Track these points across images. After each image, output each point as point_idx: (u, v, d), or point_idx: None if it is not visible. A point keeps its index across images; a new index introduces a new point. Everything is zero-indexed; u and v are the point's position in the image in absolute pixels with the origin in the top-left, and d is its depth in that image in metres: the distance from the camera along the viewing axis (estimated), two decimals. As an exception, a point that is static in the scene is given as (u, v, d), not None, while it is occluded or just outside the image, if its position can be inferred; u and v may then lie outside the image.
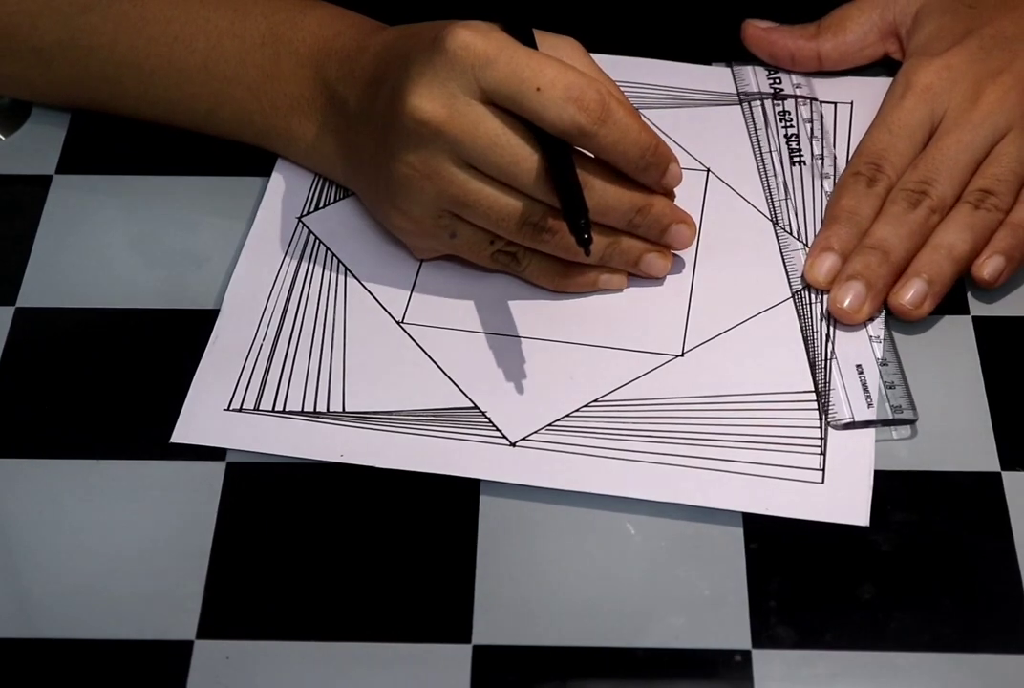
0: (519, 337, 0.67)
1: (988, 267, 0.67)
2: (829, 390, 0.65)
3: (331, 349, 0.67)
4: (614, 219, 0.65)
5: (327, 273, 0.70)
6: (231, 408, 0.65)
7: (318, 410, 0.65)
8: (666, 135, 0.74)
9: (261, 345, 0.67)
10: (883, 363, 0.66)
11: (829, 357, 0.66)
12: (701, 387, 0.65)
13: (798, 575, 0.60)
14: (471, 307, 0.68)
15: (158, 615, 0.59)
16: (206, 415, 0.65)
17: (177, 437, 0.64)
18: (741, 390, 0.65)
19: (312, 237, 0.71)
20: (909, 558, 0.61)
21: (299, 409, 0.65)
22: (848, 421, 0.64)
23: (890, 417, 0.64)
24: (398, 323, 0.68)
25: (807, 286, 0.68)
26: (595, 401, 0.65)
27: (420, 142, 0.62)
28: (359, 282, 0.69)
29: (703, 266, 0.69)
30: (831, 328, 0.67)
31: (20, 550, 0.62)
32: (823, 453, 0.63)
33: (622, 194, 0.65)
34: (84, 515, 0.63)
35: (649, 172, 0.64)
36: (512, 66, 0.61)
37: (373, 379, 0.66)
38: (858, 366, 0.66)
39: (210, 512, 0.62)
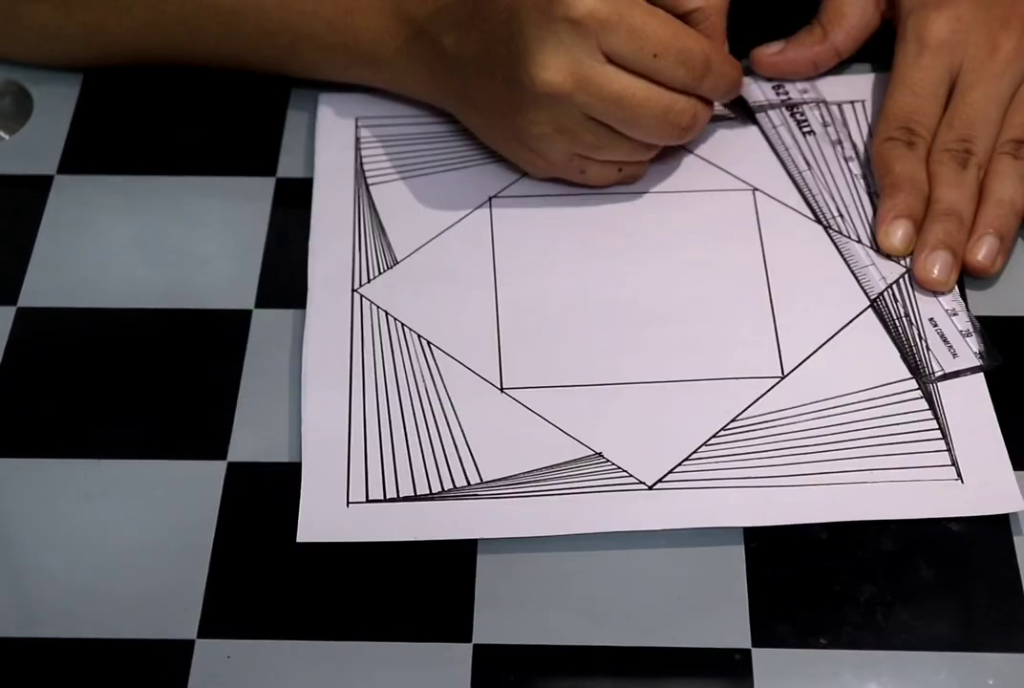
0: (621, 384, 0.65)
1: None
2: (916, 353, 0.65)
3: (430, 423, 0.64)
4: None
5: (405, 345, 0.67)
6: (352, 502, 0.62)
7: (446, 488, 0.62)
8: (707, 161, 0.74)
9: (357, 426, 0.64)
10: (953, 313, 0.66)
11: (919, 339, 0.66)
12: (813, 402, 0.64)
13: (798, 574, 0.60)
14: (563, 363, 0.66)
15: (159, 614, 0.60)
16: (328, 511, 0.62)
17: (303, 537, 0.61)
18: (849, 393, 0.64)
19: (375, 308, 0.68)
20: (909, 557, 0.61)
21: (426, 492, 0.62)
22: (940, 374, 0.64)
23: (977, 364, 0.65)
24: (500, 390, 0.65)
25: (888, 286, 0.68)
26: (722, 431, 0.64)
27: (551, 105, 0.65)
28: (444, 352, 0.67)
29: (777, 284, 0.68)
30: (911, 304, 0.67)
31: (20, 550, 0.62)
32: (949, 448, 0.62)
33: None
34: (85, 515, 0.63)
35: (729, 96, 0.71)
36: (632, 33, 0.64)
37: (494, 447, 0.63)
38: (931, 319, 0.66)
39: (211, 511, 0.62)
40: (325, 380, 0.66)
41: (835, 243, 0.70)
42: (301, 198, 0.73)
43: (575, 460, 0.63)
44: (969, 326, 0.66)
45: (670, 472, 0.62)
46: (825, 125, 0.74)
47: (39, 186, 0.74)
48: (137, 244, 0.72)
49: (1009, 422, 0.64)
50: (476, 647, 0.58)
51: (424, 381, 0.66)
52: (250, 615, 0.60)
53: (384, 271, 0.70)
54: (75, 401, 0.66)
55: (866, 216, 0.70)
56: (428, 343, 0.67)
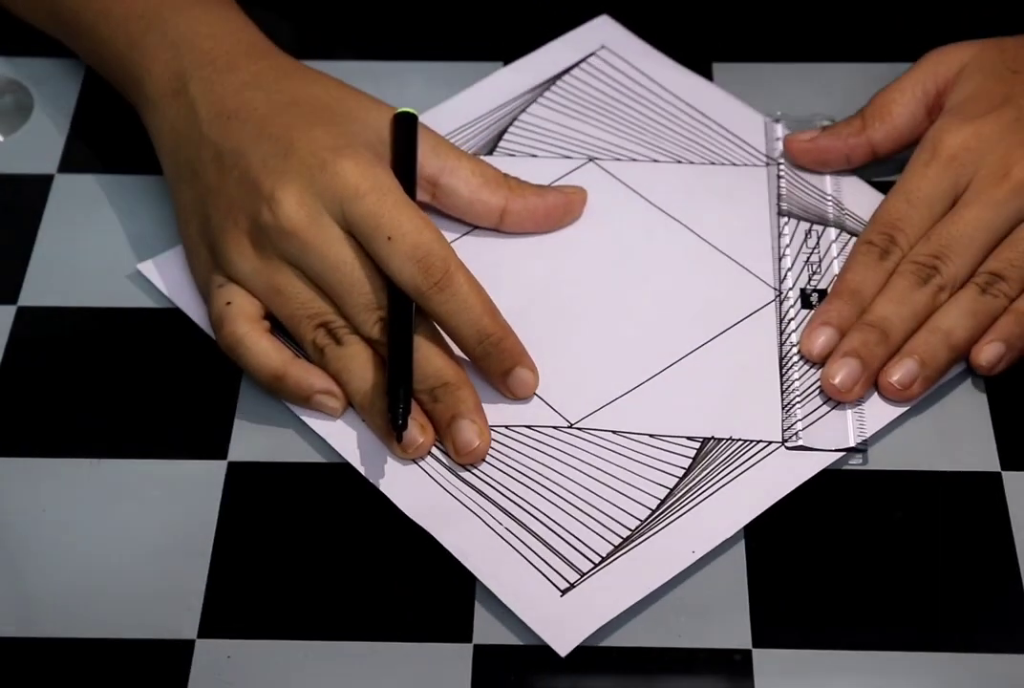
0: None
1: (986, 353, 0.64)
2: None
3: None
4: (424, 387, 0.63)
5: None
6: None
7: None
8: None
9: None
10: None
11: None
12: (561, 461, 0.64)
13: (798, 575, 0.60)
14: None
15: (159, 614, 0.59)
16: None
17: (143, 268, 0.69)
18: (587, 481, 0.63)
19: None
20: (909, 558, 0.61)
21: None
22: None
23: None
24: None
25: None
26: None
27: (270, 231, 0.64)
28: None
29: (688, 364, 0.67)
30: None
31: (21, 549, 0.62)
32: (585, 575, 0.60)
33: (444, 366, 0.64)
34: (85, 514, 0.63)
35: (489, 362, 0.64)
36: (375, 208, 0.63)
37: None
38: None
39: (211, 511, 0.62)
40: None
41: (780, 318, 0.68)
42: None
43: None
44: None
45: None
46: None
47: (39, 186, 0.74)
48: (137, 244, 0.72)
49: (1009, 422, 0.65)
50: (476, 647, 0.58)
51: None
52: (250, 615, 0.60)
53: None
54: (75, 401, 0.66)
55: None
56: None
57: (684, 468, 0.63)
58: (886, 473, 0.63)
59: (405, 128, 0.68)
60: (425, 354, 0.63)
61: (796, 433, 0.64)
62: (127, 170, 0.75)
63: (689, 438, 0.64)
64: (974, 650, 0.58)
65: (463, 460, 0.63)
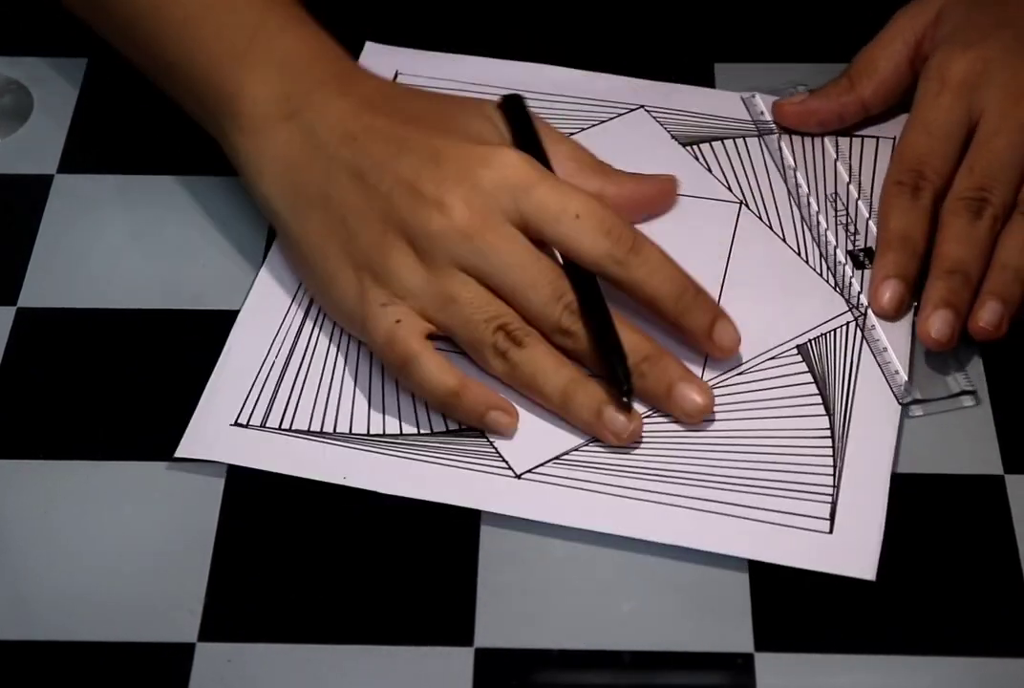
0: None
1: None
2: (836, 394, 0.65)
3: (343, 369, 0.66)
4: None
5: None
6: (237, 423, 0.64)
7: (325, 430, 0.64)
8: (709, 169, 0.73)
9: (274, 362, 0.66)
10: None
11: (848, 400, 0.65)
12: (713, 429, 0.64)
13: (800, 578, 0.60)
14: None
15: (160, 617, 0.59)
16: (212, 430, 0.64)
17: (182, 451, 0.63)
18: (756, 431, 0.64)
19: None
20: (911, 562, 0.61)
21: (306, 428, 0.64)
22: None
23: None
24: None
25: (820, 327, 0.67)
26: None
27: (442, 238, 0.62)
28: None
29: (727, 302, 0.67)
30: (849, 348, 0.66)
31: (21, 552, 0.62)
32: (834, 502, 0.62)
33: (639, 341, 0.63)
34: (85, 517, 0.62)
35: (692, 317, 0.64)
36: (553, 193, 0.62)
37: (383, 402, 0.65)
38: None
39: (212, 514, 0.62)
40: (264, 308, 0.68)
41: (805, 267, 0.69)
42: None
43: (458, 432, 0.64)
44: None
45: (541, 465, 0.63)
46: (837, 160, 0.73)
47: (39, 186, 0.74)
48: (137, 244, 0.72)
49: (1011, 425, 0.64)
50: (478, 651, 0.58)
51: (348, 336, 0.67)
52: (251, 618, 0.60)
53: None
54: (75, 402, 0.66)
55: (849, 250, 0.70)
56: None
57: (810, 374, 0.65)
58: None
59: (517, 111, 0.67)
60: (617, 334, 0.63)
61: (907, 389, 0.65)
62: (127, 170, 0.75)
63: (787, 345, 0.66)
64: (977, 654, 0.58)
65: (695, 420, 0.63)
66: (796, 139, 0.74)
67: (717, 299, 0.66)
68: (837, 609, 0.59)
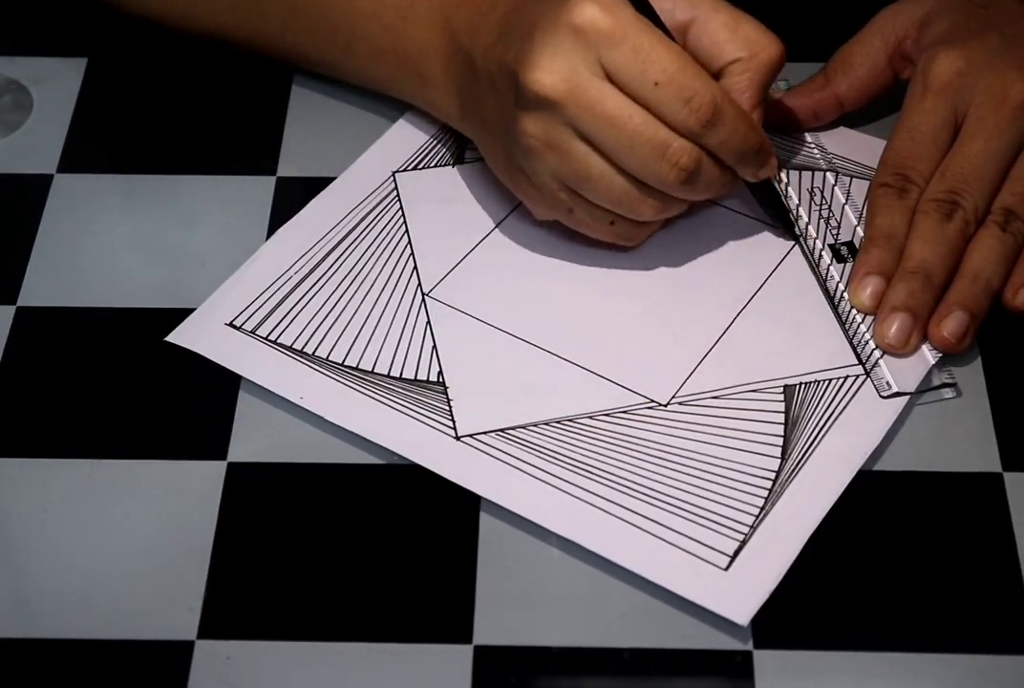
0: (524, 341, 0.67)
1: (1020, 297, 0.65)
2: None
3: (347, 301, 0.68)
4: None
5: (389, 229, 0.71)
6: (231, 324, 0.67)
7: (305, 351, 0.66)
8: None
9: (290, 277, 0.69)
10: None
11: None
12: (666, 443, 0.63)
13: (799, 575, 0.60)
14: (496, 302, 0.68)
15: (159, 615, 0.59)
16: (206, 325, 0.67)
17: (172, 337, 0.67)
18: (705, 456, 0.63)
19: (395, 193, 0.73)
20: (911, 559, 0.61)
21: (290, 344, 0.67)
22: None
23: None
24: (424, 294, 0.68)
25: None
26: (555, 421, 0.64)
27: (541, 113, 0.62)
28: (410, 246, 0.70)
29: (742, 322, 0.67)
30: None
31: (20, 550, 0.62)
32: (744, 541, 0.60)
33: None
34: (85, 515, 0.62)
35: (747, 165, 0.65)
36: (635, 53, 0.60)
37: (369, 338, 0.67)
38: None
39: (211, 511, 0.62)
40: (305, 227, 0.71)
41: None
42: (301, 197, 0.73)
43: (424, 383, 0.65)
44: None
45: (483, 433, 0.63)
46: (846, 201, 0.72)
47: (39, 185, 0.74)
48: (137, 243, 0.72)
49: (1010, 422, 0.64)
50: (477, 648, 0.58)
51: (372, 260, 0.70)
52: (250, 616, 0.60)
53: (431, 167, 0.74)
54: (75, 401, 0.66)
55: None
56: (407, 233, 0.71)
57: (783, 415, 0.64)
58: (887, 474, 0.63)
59: None
60: None
61: (887, 382, 0.64)
62: (127, 170, 0.75)
63: (775, 382, 0.65)
64: (976, 651, 0.58)
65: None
66: (776, 137, 0.73)
67: (732, 319, 0.67)
68: (835, 607, 0.59)
